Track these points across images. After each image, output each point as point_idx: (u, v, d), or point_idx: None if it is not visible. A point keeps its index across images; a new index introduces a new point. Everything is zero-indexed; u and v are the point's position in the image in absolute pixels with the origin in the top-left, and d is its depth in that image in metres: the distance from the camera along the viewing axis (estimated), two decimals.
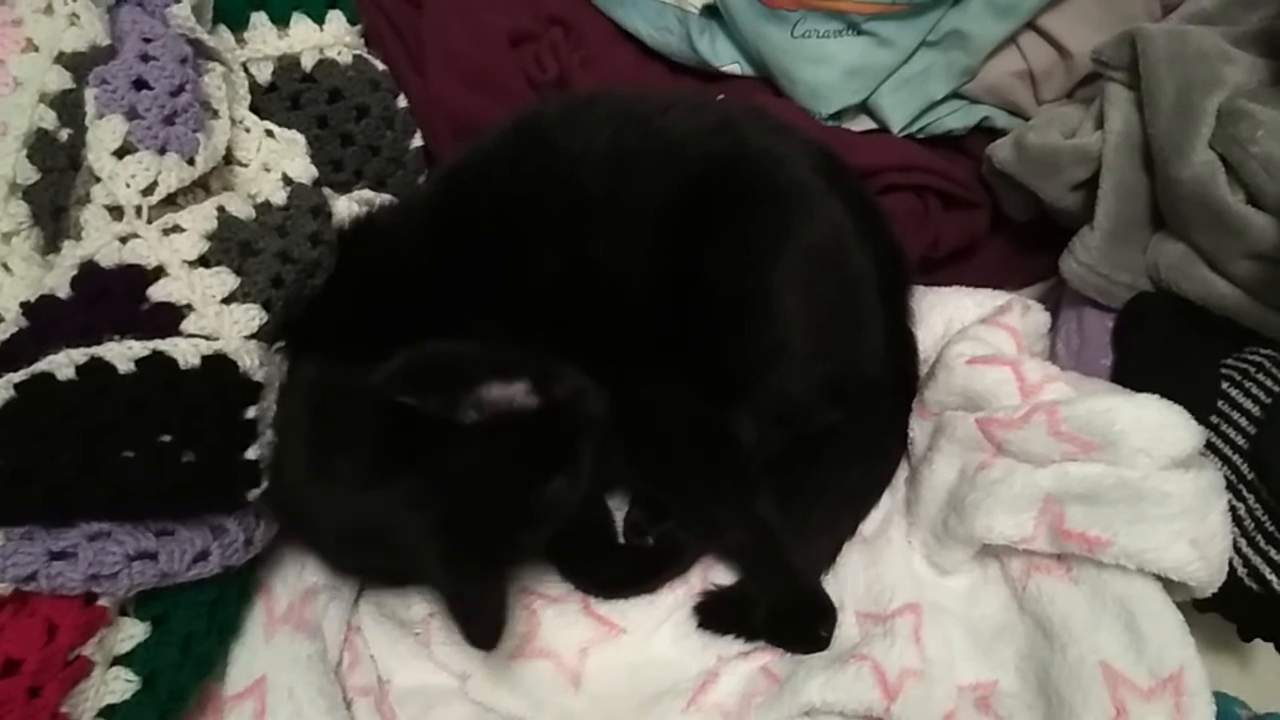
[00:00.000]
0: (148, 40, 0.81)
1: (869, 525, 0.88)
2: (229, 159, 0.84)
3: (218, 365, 0.70)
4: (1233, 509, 0.77)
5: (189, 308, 0.72)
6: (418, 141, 1.01)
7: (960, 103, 1.06)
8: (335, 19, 0.97)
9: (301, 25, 0.96)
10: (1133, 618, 0.72)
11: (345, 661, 0.81)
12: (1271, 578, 0.77)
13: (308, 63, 0.95)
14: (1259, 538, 0.78)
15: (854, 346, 0.86)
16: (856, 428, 0.87)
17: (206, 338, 0.71)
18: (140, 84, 0.78)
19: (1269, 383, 0.82)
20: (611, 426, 0.80)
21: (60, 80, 0.81)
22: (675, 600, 0.86)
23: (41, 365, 0.67)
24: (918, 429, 0.89)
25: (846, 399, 0.85)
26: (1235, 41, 0.88)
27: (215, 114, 0.83)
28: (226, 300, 0.73)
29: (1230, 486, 0.79)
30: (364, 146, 0.97)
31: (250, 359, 0.71)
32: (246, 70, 0.91)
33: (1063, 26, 1.00)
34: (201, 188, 0.81)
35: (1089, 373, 0.90)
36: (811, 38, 1.01)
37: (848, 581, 0.85)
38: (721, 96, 1.05)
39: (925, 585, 0.83)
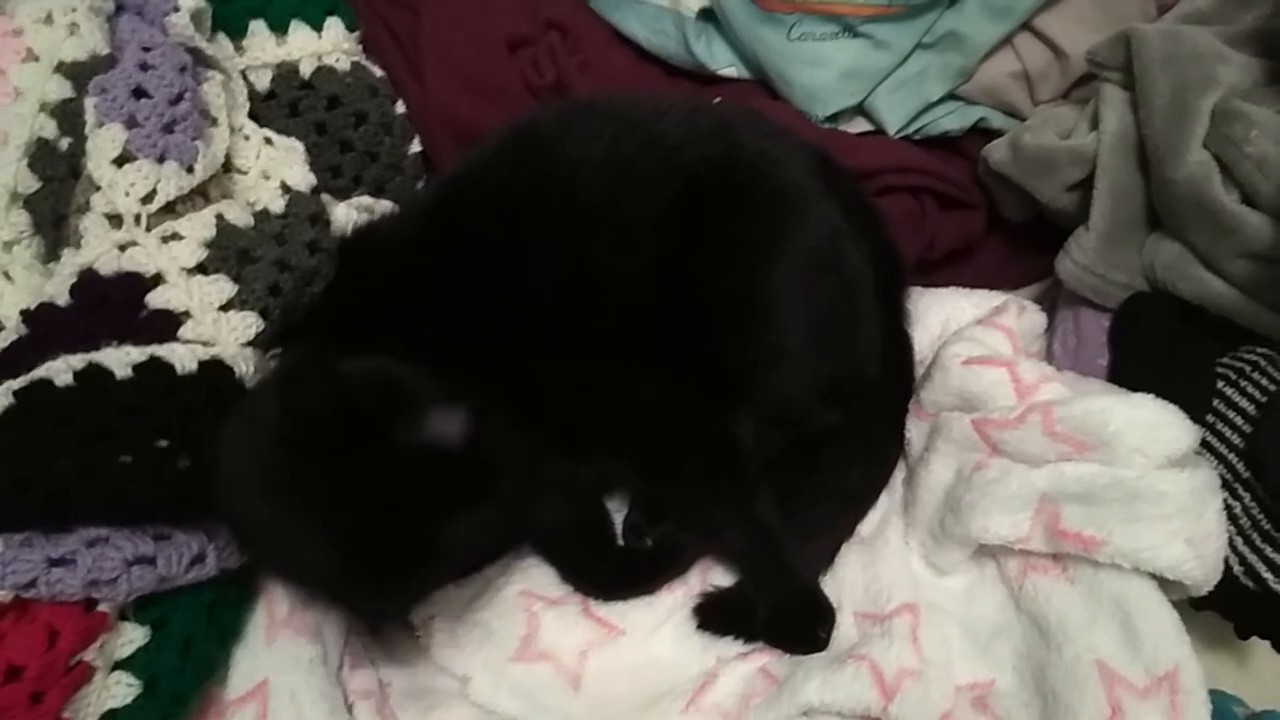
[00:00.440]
0: (147, 49, 0.82)
1: (867, 526, 0.88)
2: (228, 166, 0.85)
3: (214, 371, 0.70)
4: (1228, 507, 0.78)
5: (187, 314, 0.72)
6: (416, 147, 1.02)
7: (956, 104, 1.06)
8: (333, 26, 0.98)
9: (300, 33, 0.97)
10: (1128, 617, 0.72)
11: (346, 665, 0.81)
12: (1267, 576, 0.77)
13: (306, 70, 0.96)
14: (1255, 536, 0.79)
15: (852, 348, 0.86)
16: (854, 429, 0.87)
17: (204, 344, 0.71)
18: (139, 92, 0.79)
19: (1264, 381, 0.82)
20: (610, 426, 0.81)
21: (60, 89, 0.81)
22: (674, 602, 0.86)
23: (40, 372, 0.67)
24: (914, 430, 0.89)
25: (845, 400, 0.86)
26: (1230, 41, 0.88)
27: (214, 122, 0.84)
28: (224, 307, 0.74)
29: (1226, 485, 0.79)
30: (362, 153, 0.98)
31: (246, 365, 0.71)
32: (245, 78, 0.92)
33: (1058, 27, 1.01)
34: (201, 195, 0.82)
35: (1085, 372, 0.90)
36: (807, 40, 1.02)
37: (845, 582, 0.85)
38: (718, 99, 1.05)
39: (923, 585, 0.83)
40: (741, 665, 0.82)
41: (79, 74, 0.81)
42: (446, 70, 1.00)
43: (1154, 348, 0.89)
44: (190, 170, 0.79)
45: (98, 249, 0.74)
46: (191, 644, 0.71)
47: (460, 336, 0.77)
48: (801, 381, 0.83)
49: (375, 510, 0.66)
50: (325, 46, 0.97)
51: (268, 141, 0.87)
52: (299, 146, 0.87)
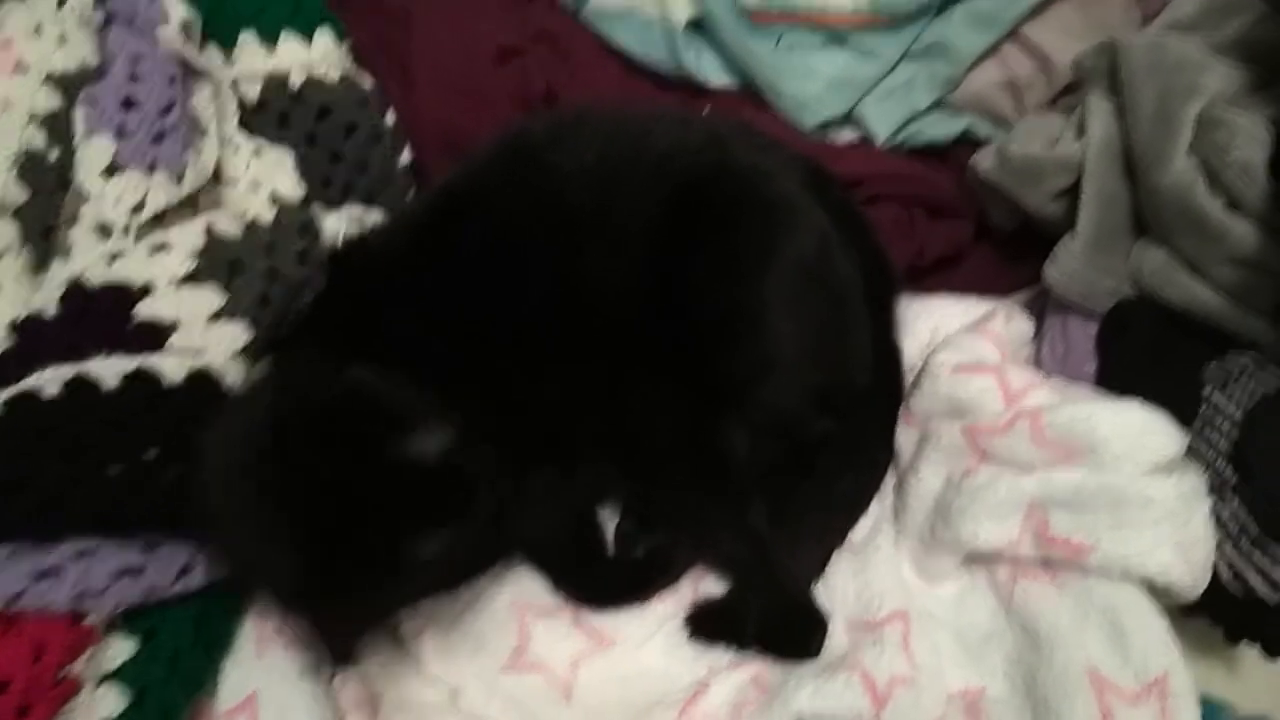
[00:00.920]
0: (136, 60, 0.82)
1: (858, 534, 0.88)
2: (218, 177, 0.85)
3: (202, 381, 0.70)
4: (1216, 513, 0.78)
5: (175, 325, 0.73)
6: (406, 158, 1.01)
7: (944, 113, 1.07)
8: (323, 37, 0.98)
9: (289, 44, 0.97)
10: (1118, 623, 0.72)
11: (337, 677, 0.81)
12: (1256, 581, 0.77)
13: (296, 81, 0.96)
14: (1243, 541, 0.79)
15: (843, 357, 0.86)
16: (845, 437, 0.87)
17: (192, 355, 0.71)
18: (129, 103, 0.80)
19: (1251, 386, 0.82)
20: (602, 436, 0.81)
21: (50, 100, 0.81)
22: (666, 611, 0.86)
23: (27, 383, 0.67)
24: (904, 437, 0.89)
25: (836, 410, 0.86)
26: (1214, 50, 0.89)
27: (204, 132, 0.84)
28: (213, 318, 0.74)
29: (1214, 490, 0.79)
30: (353, 163, 0.97)
31: (234, 375, 0.71)
32: (235, 89, 0.92)
33: (1044, 37, 1.02)
34: (190, 206, 0.82)
35: (1073, 379, 0.90)
36: (795, 51, 1.03)
37: (837, 590, 0.85)
38: (707, 110, 1.06)
39: (914, 593, 0.83)
40: (733, 674, 0.82)
41: (68, 85, 0.81)
42: (436, 81, 1.01)
43: (1141, 354, 0.89)
44: (179, 181, 0.79)
45: (86, 260, 0.74)
46: (180, 656, 0.70)
47: (450, 347, 0.77)
48: (792, 391, 0.83)
49: (344, 519, 0.65)
50: (315, 57, 0.97)
51: (257, 152, 0.88)
52: (288, 157, 0.87)
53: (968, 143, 1.06)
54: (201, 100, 0.86)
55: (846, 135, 1.08)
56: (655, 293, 0.80)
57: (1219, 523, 0.78)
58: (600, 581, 0.88)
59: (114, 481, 0.66)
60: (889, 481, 0.91)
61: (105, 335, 0.71)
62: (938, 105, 1.06)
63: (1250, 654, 0.83)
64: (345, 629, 0.71)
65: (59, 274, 0.74)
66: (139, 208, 0.76)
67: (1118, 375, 0.89)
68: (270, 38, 0.97)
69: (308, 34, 0.98)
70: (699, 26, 1.06)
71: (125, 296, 0.72)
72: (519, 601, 0.86)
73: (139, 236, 0.76)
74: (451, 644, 0.82)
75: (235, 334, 0.74)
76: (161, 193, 0.78)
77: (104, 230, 0.76)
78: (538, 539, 0.88)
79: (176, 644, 0.70)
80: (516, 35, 1.06)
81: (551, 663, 0.83)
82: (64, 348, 0.69)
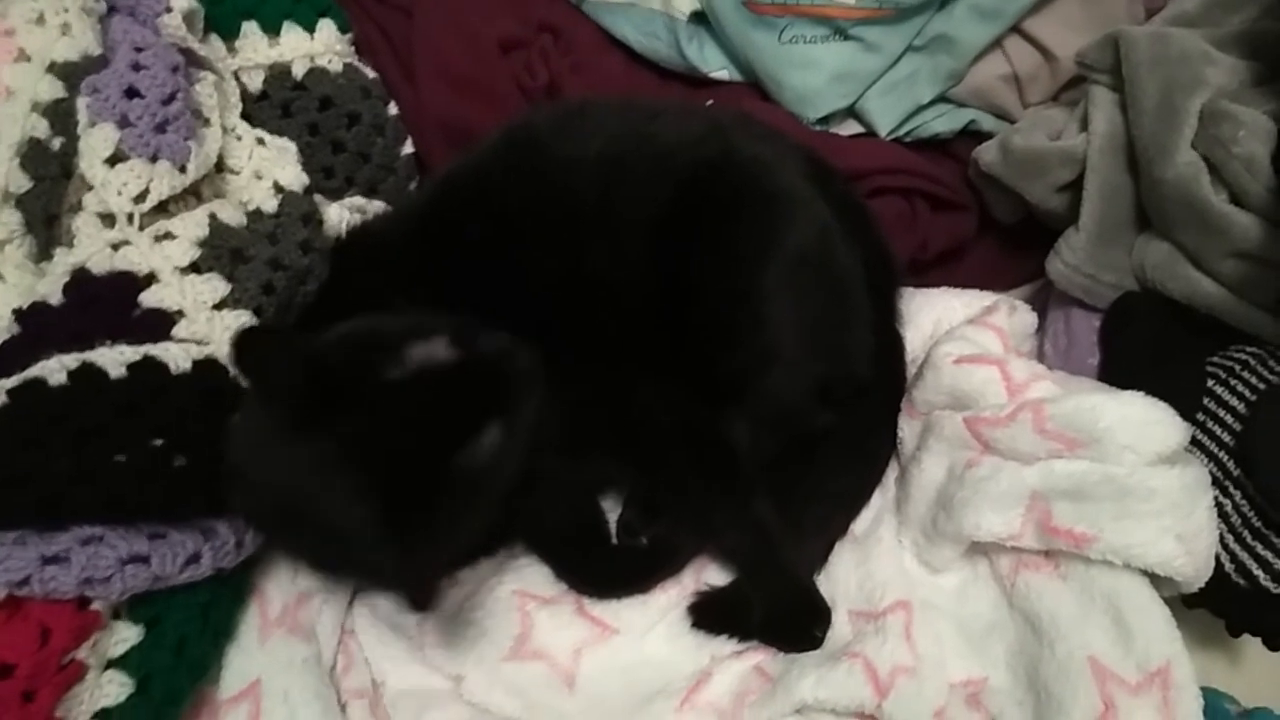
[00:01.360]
0: (139, 49, 0.81)
1: (860, 524, 0.89)
2: (220, 167, 0.85)
3: (208, 370, 0.70)
4: (1219, 505, 0.78)
5: (180, 314, 0.72)
6: (409, 148, 1.02)
7: (947, 106, 1.07)
8: (326, 27, 0.98)
9: (292, 34, 0.97)
10: (1120, 613, 0.73)
11: (340, 665, 0.81)
12: (1259, 573, 0.78)
13: (299, 71, 0.96)
14: (1245, 534, 0.79)
15: (845, 349, 0.86)
16: (847, 428, 0.88)
17: (197, 343, 0.71)
18: (132, 92, 0.79)
19: (1253, 379, 0.83)
20: (607, 428, 0.81)
21: (53, 89, 0.81)
22: (668, 601, 0.87)
23: (33, 371, 0.67)
24: (907, 429, 0.90)
25: (839, 401, 0.86)
26: (1217, 43, 0.89)
27: (207, 122, 0.84)
28: (217, 306, 0.74)
29: (1217, 483, 0.79)
30: (355, 154, 0.98)
31: None
32: (238, 79, 0.92)
33: (1047, 30, 1.02)
34: (193, 195, 0.82)
35: (1076, 372, 0.91)
36: (798, 43, 1.02)
37: (839, 581, 0.85)
38: (710, 102, 1.06)
39: (916, 583, 0.83)
40: (736, 663, 0.82)
41: (71, 74, 0.81)
42: (439, 72, 1.01)
43: (1144, 347, 0.89)
44: (183, 170, 0.78)
45: (90, 248, 0.74)
46: (185, 643, 0.70)
47: None
48: (795, 383, 0.83)
49: (394, 454, 0.64)
50: (318, 48, 0.97)
51: (260, 142, 0.87)
52: (291, 147, 0.87)
53: (971, 136, 1.06)
54: (204, 90, 0.86)
55: (850, 128, 1.08)
56: (658, 284, 0.80)
57: (1222, 514, 0.78)
58: (604, 570, 0.88)
59: (121, 469, 0.66)
60: (891, 473, 0.91)
61: (111, 323, 0.70)
62: (941, 99, 1.06)
63: (1252, 646, 0.84)
64: (425, 573, 0.70)
65: (63, 262, 0.74)
66: (142, 196, 0.76)
67: (1121, 368, 0.89)
68: (273, 28, 0.96)
69: (310, 25, 0.98)
70: (702, 18, 1.06)
71: (130, 284, 0.72)
72: (521, 590, 0.86)
73: (143, 225, 0.76)
74: (454, 633, 0.82)
75: (240, 322, 0.74)
76: (164, 182, 0.77)
77: (107, 219, 0.76)
78: (541, 528, 0.88)
79: (182, 631, 0.70)
80: (519, 27, 1.06)
81: (554, 651, 0.83)
82: (69, 336, 0.69)
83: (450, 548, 0.71)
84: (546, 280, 0.80)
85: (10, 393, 0.67)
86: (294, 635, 0.78)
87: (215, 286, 0.74)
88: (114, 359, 0.68)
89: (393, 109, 1.01)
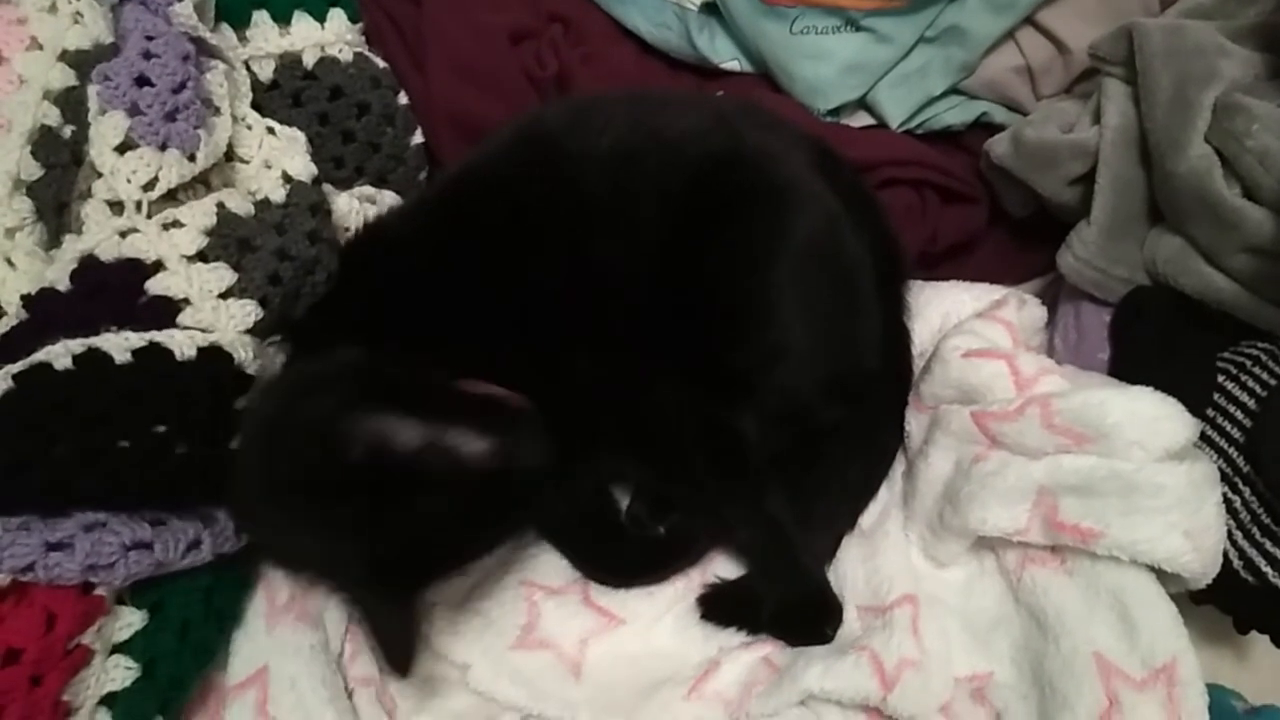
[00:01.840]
0: (150, 38, 0.82)
1: (867, 519, 0.89)
2: (230, 156, 0.85)
3: (213, 357, 0.71)
4: (1228, 502, 0.78)
5: (186, 302, 0.73)
6: (418, 138, 1.02)
7: (959, 98, 1.06)
8: (336, 17, 0.98)
9: (303, 23, 0.97)
10: (1126, 609, 0.72)
11: (347, 652, 0.81)
12: (1267, 570, 0.77)
13: (309, 60, 0.96)
14: (1254, 530, 0.79)
15: (854, 342, 0.86)
16: (854, 422, 0.87)
17: (203, 331, 0.71)
18: (142, 81, 0.79)
19: (1265, 376, 0.82)
20: (617, 423, 0.81)
21: (64, 77, 0.81)
22: (675, 593, 0.87)
23: (39, 356, 0.68)
24: (914, 422, 0.89)
25: (848, 395, 0.86)
26: (1232, 36, 0.88)
27: (217, 111, 0.84)
28: (224, 295, 0.74)
29: (1226, 479, 0.79)
30: (365, 143, 0.98)
31: (245, 352, 0.72)
32: (248, 68, 0.92)
33: (1060, 22, 1.01)
34: (202, 184, 0.82)
35: (1086, 367, 0.90)
36: (810, 34, 1.02)
37: (846, 576, 0.85)
38: (720, 93, 1.06)
39: (922, 578, 0.83)
40: (744, 654, 0.82)
41: (82, 62, 0.82)
42: (449, 62, 1.01)
43: (1155, 342, 0.89)
44: (192, 158, 0.79)
45: (99, 235, 0.74)
46: (189, 628, 0.71)
47: (463, 333, 0.77)
48: (804, 377, 0.83)
49: (406, 534, 0.67)
50: (328, 37, 0.97)
51: (270, 131, 0.87)
52: (300, 136, 0.87)
53: (982, 128, 1.06)
54: (214, 79, 0.86)
55: (860, 119, 1.08)
56: (668, 279, 0.80)
57: (1230, 511, 0.78)
58: (620, 559, 0.88)
59: (124, 455, 0.66)
60: (898, 467, 0.91)
61: (117, 310, 0.71)
62: (953, 91, 1.05)
63: (1260, 643, 0.83)
64: (407, 630, 0.72)
65: (71, 249, 0.74)
66: (151, 184, 0.76)
67: (1131, 363, 0.88)
68: (283, 17, 0.97)
69: (321, 14, 0.98)
70: (713, 9, 1.05)
71: (137, 271, 0.72)
72: (528, 580, 0.87)
73: (151, 213, 0.76)
74: (460, 621, 0.83)
75: (246, 311, 0.74)
76: (173, 170, 0.77)
77: (116, 206, 0.76)
78: (555, 518, 0.88)
79: (185, 616, 0.71)
80: (529, 16, 1.06)
81: (561, 641, 0.83)
82: (76, 322, 0.69)
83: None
84: (558, 276, 0.80)
85: (16, 377, 0.67)
86: (301, 622, 0.78)
87: (222, 275, 0.74)
88: (119, 345, 0.68)
89: (403, 99, 1.01)
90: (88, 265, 0.73)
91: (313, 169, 0.84)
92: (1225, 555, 0.75)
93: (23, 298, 0.72)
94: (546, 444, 0.71)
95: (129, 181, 0.76)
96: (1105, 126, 0.90)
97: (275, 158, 0.85)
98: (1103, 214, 0.91)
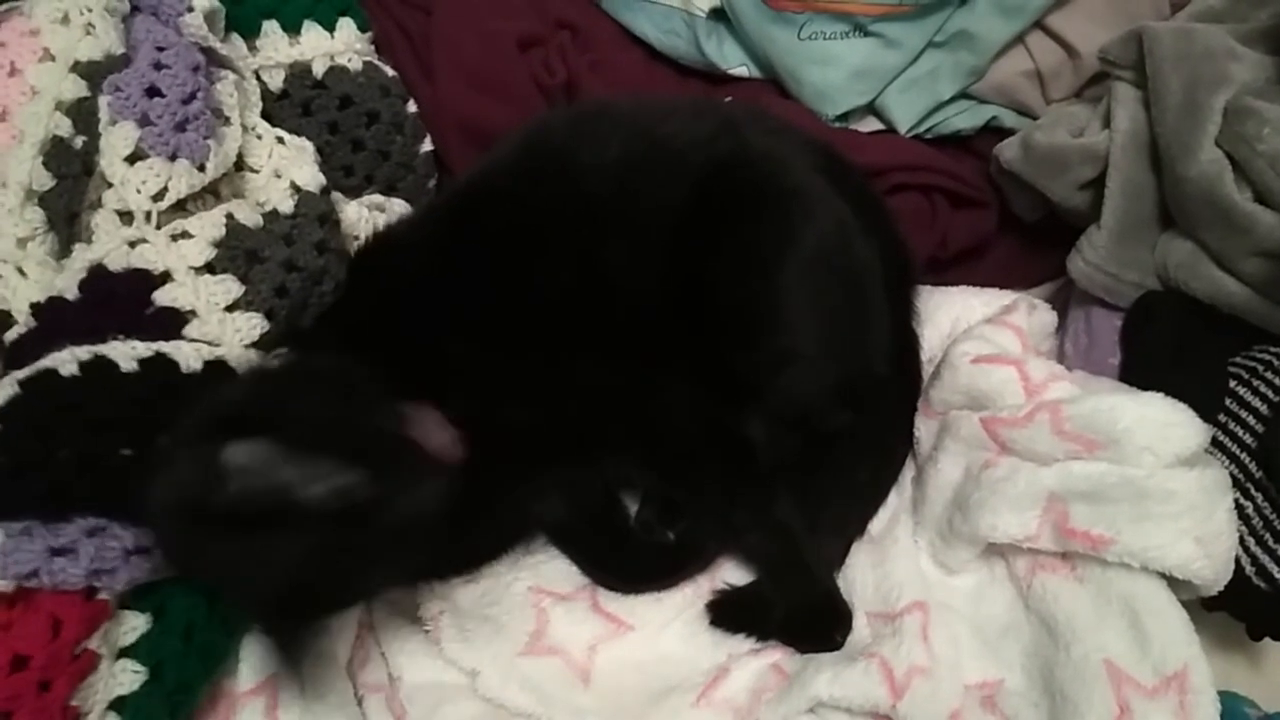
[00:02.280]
0: (161, 49, 0.82)
1: (876, 525, 0.88)
2: (240, 165, 0.85)
3: (218, 371, 0.71)
4: (1241, 508, 0.77)
5: (192, 313, 0.73)
6: (427, 146, 1.02)
7: (968, 103, 1.06)
8: (345, 26, 0.99)
9: (312, 33, 0.97)
10: (1137, 616, 0.72)
11: (356, 659, 0.82)
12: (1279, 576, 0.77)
13: (319, 70, 0.97)
14: (1267, 536, 0.78)
15: (862, 347, 0.86)
16: (863, 427, 0.87)
17: (208, 344, 0.72)
18: (153, 91, 0.80)
19: (1277, 381, 0.81)
20: (626, 429, 0.81)
21: (76, 88, 0.82)
22: (684, 599, 0.87)
23: (46, 362, 0.68)
24: (923, 428, 0.89)
25: (857, 400, 0.85)
26: (1243, 39, 0.88)
27: (227, 121, 0.85)
28: (230, 308, 0.75)
29: (1238, 485, 0.78)
30: (374, 152, 0.98)
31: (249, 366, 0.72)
32: (258, 77, 0.93)
33: (1070, 26, 1.00)
34: (212, 194, 0.82)
35: (1097, 372, 0.90)
36: (818, 39, 1.02)
37: (856, 582, 0.85)
38: (729, 99, 1.06)
39: (932, 584, 0.83)
40: (753, 661, 0.82)
41: (94, 73, 0.82)
42: (457, 70, 1.01)
43: (1166, 347, 0.88)
44: (202, 169, 0.79)
45: (108, 245, 0.75)
46: (193, 630, 0.71)
47: (472, 340, 0.77)
48: (813, 382, 0.83)
49: (289, 583, 0.65)
50: (338, 46, 0.98)
51: (279, 141, 0.88)
52: (309, 146, 0.87)
53: (992, 132, 1.05)
54: (224, 89, 0.86)
55: (869, 125, 1.07)
56: (676, 285, 0.80)
57: (1243, 517, 0.77)
58: (630, 565, 0.88)
59: (126, 463, 0.67)
60: (907, 473, 0.91)
61: (125, 319, 0.71)
62: (962, 95, 1.05)
63: (1272, 649, 0.83)
64: (299, 648, 0.71)
65: (81, 258, 0.75)
66: (161, 195, 0.77)
67: (1142, 368, 0.88)
68: (293, 27, 0.97)
69: (330, 24, 0.98)
70: (721, 15, 1.05)
71: (145, 282, 0.73)
72: (537, 587, 0.87)
73: (160, 223, 0.77)
74: (469, 628, 0.83)
75: (251, 325, 0.75)
76: (183, 180, 0.78)
77: (126, 216, 0.77)
78: (564, 524, 0.88)
79: (189, 618, 0.71)
80: (538, 24, 1.06)
81: (569, 647, 0.83)
82: (84, 330, 0.70)
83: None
84: (566, 283, 0.81)
85: (22, 383, 0.68)
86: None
87: (229, 288, 0.75)
88: (126, 353, 0.69)
89: (412, 107, 1.01)
90: (97, 275, 0.73)
91: (321, 179, 0.85)
92: (1237, 561, 0.75)
93: (32, 306, 0.73)
94: (436, 489, 0.68)
95: (139, 192, 0.76)
96: (1115, 131, 0.90)
97: (284, 167, 0.86)
98: (1113, 218, 0.90)
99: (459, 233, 0.85)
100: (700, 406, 0.82)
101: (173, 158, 0.78)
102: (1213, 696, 0.69)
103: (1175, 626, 0.71)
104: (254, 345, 0.75)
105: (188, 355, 0.70)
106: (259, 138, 0.88)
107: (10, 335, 0.72)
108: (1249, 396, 0.82)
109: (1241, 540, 0.76)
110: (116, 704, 0.67)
